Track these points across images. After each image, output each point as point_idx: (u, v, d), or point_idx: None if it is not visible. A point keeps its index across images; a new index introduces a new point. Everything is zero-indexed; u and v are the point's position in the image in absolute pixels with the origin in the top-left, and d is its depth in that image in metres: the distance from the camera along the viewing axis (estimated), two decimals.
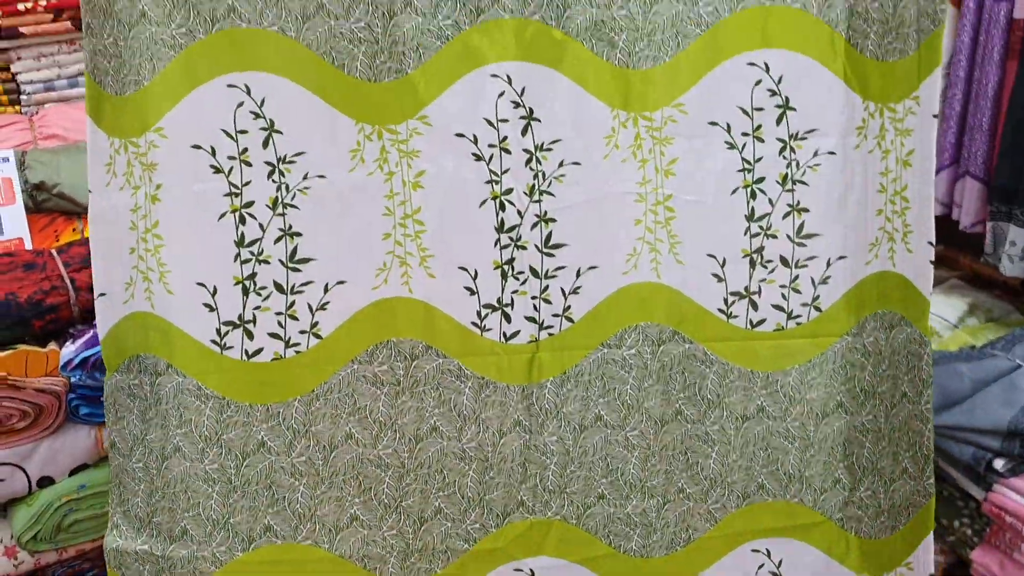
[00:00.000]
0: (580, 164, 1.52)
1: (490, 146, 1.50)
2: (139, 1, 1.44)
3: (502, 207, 1.52)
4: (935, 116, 1.57)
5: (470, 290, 1.53)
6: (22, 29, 2.92)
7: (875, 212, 1.59)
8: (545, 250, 1.53)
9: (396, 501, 1.57)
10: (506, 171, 1.51)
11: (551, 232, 1.53)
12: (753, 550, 1.67)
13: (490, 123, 1.49)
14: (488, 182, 1.51)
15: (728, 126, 1.54)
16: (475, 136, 1.49)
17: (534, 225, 1.53)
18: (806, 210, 1.58)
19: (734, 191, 1.57)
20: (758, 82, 1.53)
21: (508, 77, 1.48)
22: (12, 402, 2.05)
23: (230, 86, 1.47)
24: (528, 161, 1.51)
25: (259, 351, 1.54)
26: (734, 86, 1.53)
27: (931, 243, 1.58)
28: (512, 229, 1.52)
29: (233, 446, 1.55)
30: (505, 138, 1.50)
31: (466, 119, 1.48)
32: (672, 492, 1.63)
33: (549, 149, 1.51)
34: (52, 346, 2.21)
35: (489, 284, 1.53)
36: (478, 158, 1.50)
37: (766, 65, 1.53)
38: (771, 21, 1.52)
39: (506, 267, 1.53)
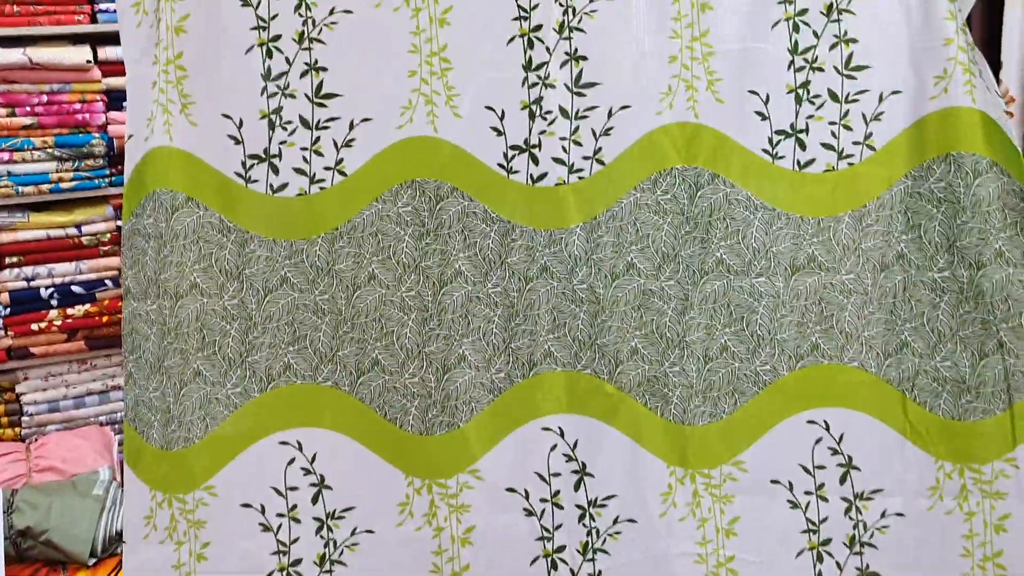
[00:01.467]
0: (636, 521, 1.51)
1: (542, 500, 1.51)
2: (193, 360, 1.52)
3: (554, 566, 1.52)
4: None
5: None
6: (33, 350, 2.85)
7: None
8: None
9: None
10: (559, 527, 1.51)
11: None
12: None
13: (541, 477, 1.52)
14: (540, 539, 1.51)
15: (790, 484, 1.52)
16: (526, 491, 1.51)
17: None
18: None
19: (799, 554, 1.52)
20: (818, 440, 1.51)
21: (560, 430, 1.51)
22: None
23: (282, 443, 1.53)
24: (581, 517, 1.51)
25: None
26: (794, 444, 1.51)
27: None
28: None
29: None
30: (557, 492, 1.51)
31: (517, 474, 1.52)
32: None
33: (603, 505, 1.51)
34: None
35: None
36: (529, 513, 1.51)
37: (826, 423, 1.51)
38: (830, 379, 1.51)
39: None
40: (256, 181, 1.52)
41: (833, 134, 1.49)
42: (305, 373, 1.54)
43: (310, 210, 1.52)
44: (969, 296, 1.47)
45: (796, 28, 1.47)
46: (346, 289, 1.53)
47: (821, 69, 1.48)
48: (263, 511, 1.52)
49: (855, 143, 1.49)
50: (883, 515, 1.50)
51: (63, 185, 2.82)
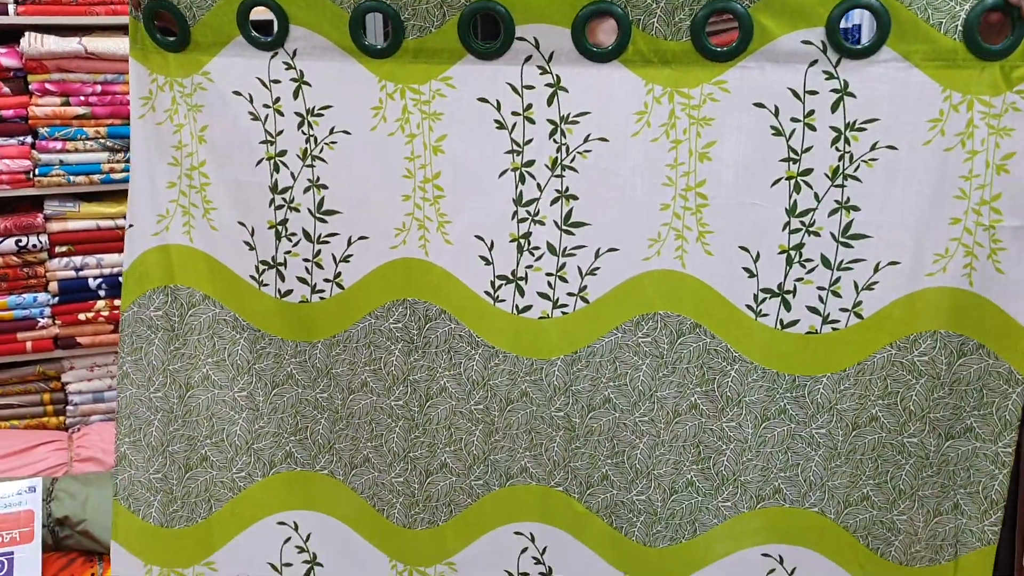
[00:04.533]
0: None
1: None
2: (201, 446, 1.63)
3: None
4: None
5: None
6: (79, 339, 2.86)
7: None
8: None
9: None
10: None
11: None
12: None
13: (510, 575, 1.66)
14: None
15: None
16: None
17: None
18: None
19: None
20: (771, 571, 1.60)
21: (531, 535, 1.62)
22: None
23: (280, 523, 1.65)
24: None
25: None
26: (748, 572, 1.60)
27: None
28: None
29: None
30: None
31: (489, 570, 1.66)
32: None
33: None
34: None
35: None
36: None
37: (780, 557, 1.59)
38: (788, 520, 1.56)
39: None
40: (267, 285, 1.61)
41: (820, 299, 1.48)
42: (305, 461, 1.65)
43: (312, 316, 1.61)
44: (934, 462, 1.50)
45: (797, 188, 1.43)
46: (342, 391, 1.62)
47: (817, 234, 1.45)
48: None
49: (842, 310, 1.48)
50: None
51: (114, 176, 2.86)
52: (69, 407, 2.91)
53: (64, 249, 2.86)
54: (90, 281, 2.88)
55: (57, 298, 2.86)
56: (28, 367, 2.92)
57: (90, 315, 2.88)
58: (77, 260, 2.87)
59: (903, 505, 1.53)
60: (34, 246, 2.80)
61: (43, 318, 2.86)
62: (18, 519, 2.28)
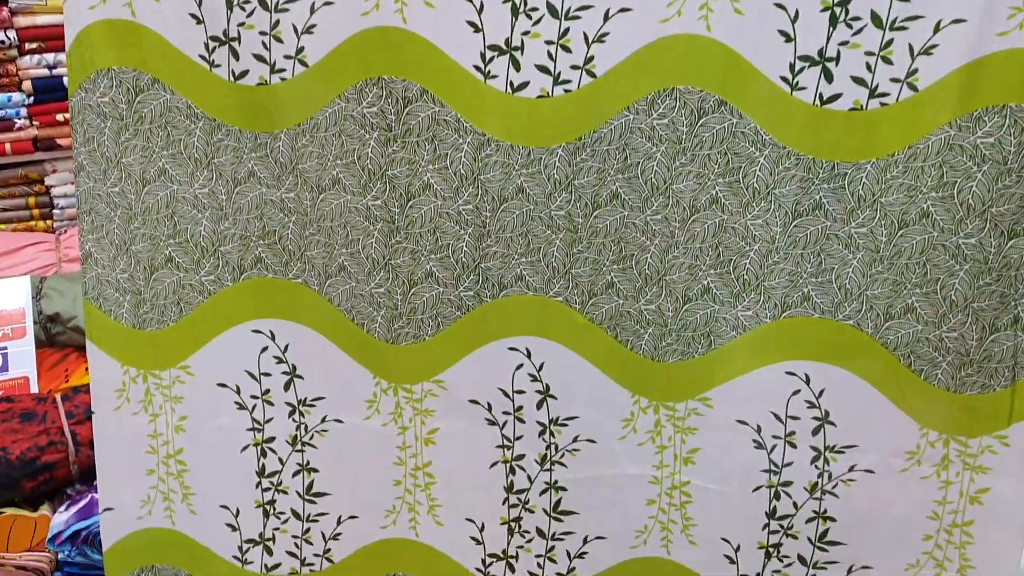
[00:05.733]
0: (595, 442, 1.52)
1: (504, 413, 1.52)
2: (164, 246, 1.50)
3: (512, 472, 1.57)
4: None
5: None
6: (59, 141, 2.79)
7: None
8: None
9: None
10: (519, 438, 1.53)
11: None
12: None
13: (505, 393, 1.51)
14: (500, 447, 1.56)
15: (758, 427, 1.47)
16: (489, 404, 1.52)
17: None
18: None
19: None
20: (796, 392, 1.42)
21: (527, 350, 1.48)
22: None
23: (255, 331, 1.55)
24: (542, 433, 1.52)
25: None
26: (769, 393, 1.43)
27: None
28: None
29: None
30: (520, 408, 1.51)
31: (483, 390, 1.52)
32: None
33: (564, 424, 1.51)
34: (44, 509, 1.99)
35: None
36: (491, 423, 1.53)
37: (807, 377, 1.41)
38: (817, 334, 1.39)
39: None
40: (219, 66, 1.41)
41: (868, 67, 1.26)
42: (276, 268, 1.51)
43: (272, 101, 1.41)
44: (993, 267, 1.31)
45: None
46: (311, 190, 1.45)
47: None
48: (238, 391, 1.56)
49: (893, 80, 1.26)
50: (851, 469, 1.43)
51: None
52: (55, 210, 2.88)
53: (35, 46, 2.74)
54: (65, 80, 2.79)
55: (32, 98, 2.76)
56: (9, 170, 2.87)
57: (67, 115, 2.81)
58: (49, 58, 2.75)
59: (954, 320, 1.35)
60: (2, 42, 2.66)
61: (20, 119, 2.77)
62: (10, 317, 2.31)
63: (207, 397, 1.56)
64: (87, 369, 1.85)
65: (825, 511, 1.45)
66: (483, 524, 1.56)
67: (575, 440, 1.50)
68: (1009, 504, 1.40)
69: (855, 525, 1.46)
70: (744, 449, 1.46)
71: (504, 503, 1.55)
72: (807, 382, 1.42)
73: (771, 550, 1.49)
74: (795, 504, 1.46)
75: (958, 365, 1.36)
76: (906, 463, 1.42)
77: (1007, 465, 1.38)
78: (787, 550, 1.49)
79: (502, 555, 1.58)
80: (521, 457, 1.53)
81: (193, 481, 1.60)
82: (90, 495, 1.93)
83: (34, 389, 2.24)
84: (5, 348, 2.26)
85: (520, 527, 1.57)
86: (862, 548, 1.47)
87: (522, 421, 1.50)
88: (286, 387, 1.55)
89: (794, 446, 1.44)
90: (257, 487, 1.60)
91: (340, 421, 1.56)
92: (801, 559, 1.49)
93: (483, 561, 1.58)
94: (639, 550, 1.54)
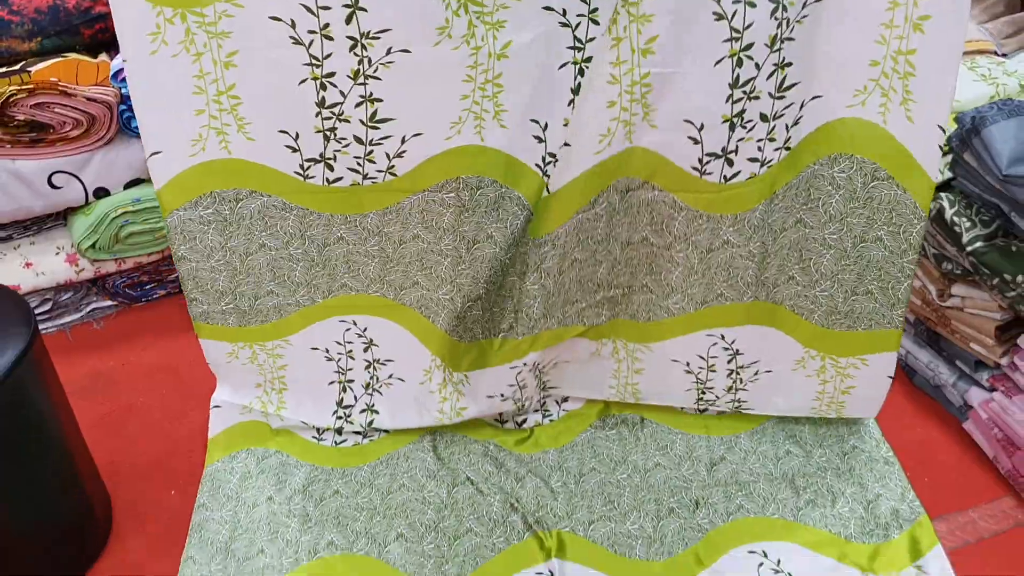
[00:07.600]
0: None
1: None
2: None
3: None
4: None
5: None
6: None
7: (868, 62, 1.52)
8: None
9: (452, 278, 1.75)
10: None
11: None
12: (708, 335, 1.85)
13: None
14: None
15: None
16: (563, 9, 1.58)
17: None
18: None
19: None
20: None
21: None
22: (64, 109, 2.01)
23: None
24: None
25: None
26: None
27: (941, 128, 1.52)
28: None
29: (315, 239, 1.75)
30: None
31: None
32: (637, 286, 1.82)
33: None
34: (103, 57, 2.17)
35: None
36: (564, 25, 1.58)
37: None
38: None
39: None
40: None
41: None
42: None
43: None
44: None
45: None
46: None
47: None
48: (293, 26, 1.48)
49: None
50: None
51: None
52: None
53: None
54: None
55: None
56: None
57: None
58: None
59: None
60: None
61: None
62: None
63: (259, 31, 1.48)
64: None
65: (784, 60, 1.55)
66: (546, 124, 1.61)
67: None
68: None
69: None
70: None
71: (571, 104, 1.58)
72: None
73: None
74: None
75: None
76: None
77: None
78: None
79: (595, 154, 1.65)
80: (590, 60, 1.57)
81: (247, 112, 1.56)
82: None
83: None
84: None
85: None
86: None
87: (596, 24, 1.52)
88: (347, 20, 1.48)
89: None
90: (317, 116, 1.57)
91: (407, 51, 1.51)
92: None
93: (543, 158, 1.65)
94: None
